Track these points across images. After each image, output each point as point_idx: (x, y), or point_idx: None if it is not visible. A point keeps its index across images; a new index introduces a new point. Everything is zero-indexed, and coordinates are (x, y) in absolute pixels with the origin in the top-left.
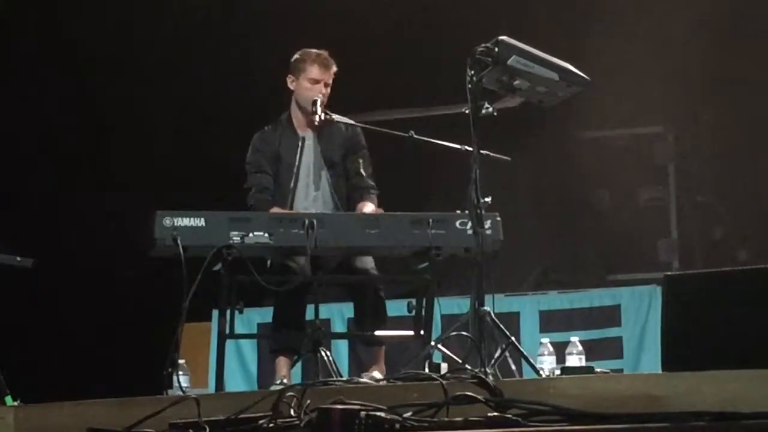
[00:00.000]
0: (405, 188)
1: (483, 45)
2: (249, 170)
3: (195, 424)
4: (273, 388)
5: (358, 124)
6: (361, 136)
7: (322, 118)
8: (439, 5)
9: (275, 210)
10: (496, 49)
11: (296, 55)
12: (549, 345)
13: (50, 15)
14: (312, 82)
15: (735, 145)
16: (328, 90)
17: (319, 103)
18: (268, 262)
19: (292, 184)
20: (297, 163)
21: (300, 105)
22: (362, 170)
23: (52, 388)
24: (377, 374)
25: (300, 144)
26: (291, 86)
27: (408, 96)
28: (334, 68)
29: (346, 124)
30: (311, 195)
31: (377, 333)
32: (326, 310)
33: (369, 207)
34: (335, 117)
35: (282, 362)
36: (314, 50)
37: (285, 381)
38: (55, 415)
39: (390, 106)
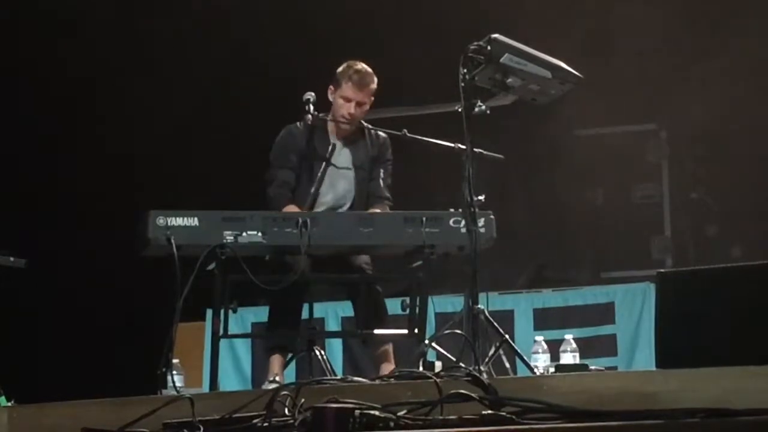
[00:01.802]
0: (398, 187)
1: (476, 43)
2: (273, 163)
3: (189, 423)
4: (265, 385)
5: (387, 132)
6: (389, 148)
7: (314, 115)
8: (432, 3)
9: (291, 208)
10: (489, 47)
11: (340, 68)
12: (543, 343)
13: (49, 11)
14: (345, 100)
15: (728, 142)
16: (364, 108)
17: (311, 101)
18: (267, 256)
19: (314, 188)
20: (323, 168)
21: (334, 116)
22: (381, 180)
23: (46, 388)
24: None
25: (330, 149)
26: (330, 96)
27: (401, 94)
28: (374, 86)
29: (376, 134)
30: (333, 200)
31: (371, 332)
32: (320, 309)
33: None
34: (367, 126)
35: (276, 360)
36: (356, 66)
37: (278, 379)
38: (49, 415)
39: (383, 105)
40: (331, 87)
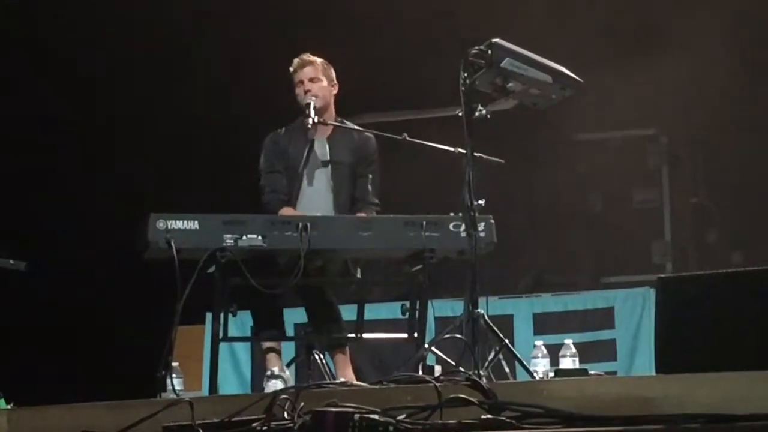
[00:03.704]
0: (398, 191)
1: (476, 47)
2: (262, 171)
3: (189, 427)
4: (265, 381)
5: (373, 133)
6: (374, 146)
7: (315, 121)
8: (433, 7)
9: (286, 210)
10: (490, 52)
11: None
12: (543, 347)
13: (47, 13)
14: (299, 86)
15: (728, 146)
16: (319, 83)
17: (312, 106)
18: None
19: (297, 186)
20: (302, 166)
21: (303, 109)
22: (369, 186)
23: (45, 390)
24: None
25: (308, 147)
26: (298, 99)
27: (401, 98)
28: (318, 63)
29: (358, 131)
30: (315, 197)
31: (371, 336)
32: None
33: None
34: (348, 124)
35: (271, 357)
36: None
37: (276, 371)
38: (48, 417)
39: (383, 109)
40: (293, 90)
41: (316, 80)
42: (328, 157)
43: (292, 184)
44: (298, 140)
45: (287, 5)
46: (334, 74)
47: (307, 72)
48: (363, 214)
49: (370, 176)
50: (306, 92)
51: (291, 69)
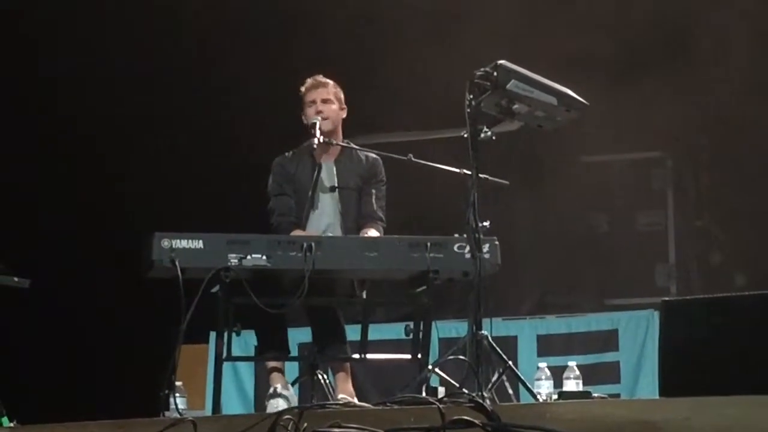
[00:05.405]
0: (403, 211)
1: (482, 69)
2: (271, 194)
3: None
4: (267, 400)
5: (378, 153)
6: (381, 168)
7: (321, 140)
8: (439, 28)
9: (297, 233)
10: (495, 74)
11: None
12: (546, 369)
13: (52, 30)
14: (310, 104)
15: (733, 170)
16: (330, 105)
17: (317, 126)
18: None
19: (305, 210)
20: (311, 190)
21: (311, 131)
22: (374, 202)
23: (48, 409)
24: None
25: (316, 171)
26: (305, 120)
27: (407, 119)
28: (332, 85)
29: (366, 155)
30: (323, 221)
31: (375, 356)
32: None
33: (372, 233)
34: (355, 147)
35: (275, 376)
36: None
37: (279, 389)
38: None
39: (389, 130)
40: (302, 111)
41: (328, 102)
42: (336, 182)
43: (300, 208)
44: (305, 164)
45: (293, 26)
46: (343, 97)
47: (320, 93)
48: (371, 229)
49: (375, 192)
50: (317, 113)
51: (303, 89)
